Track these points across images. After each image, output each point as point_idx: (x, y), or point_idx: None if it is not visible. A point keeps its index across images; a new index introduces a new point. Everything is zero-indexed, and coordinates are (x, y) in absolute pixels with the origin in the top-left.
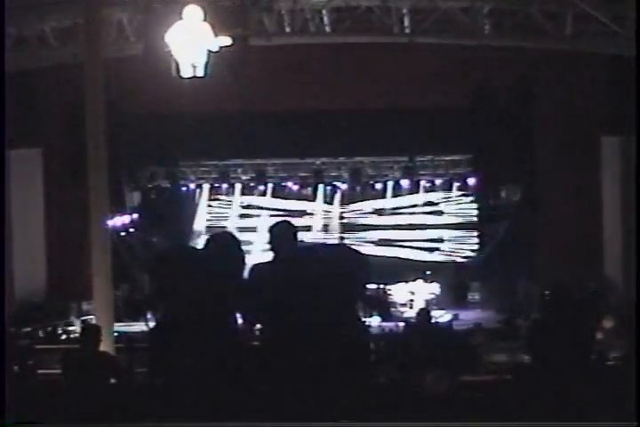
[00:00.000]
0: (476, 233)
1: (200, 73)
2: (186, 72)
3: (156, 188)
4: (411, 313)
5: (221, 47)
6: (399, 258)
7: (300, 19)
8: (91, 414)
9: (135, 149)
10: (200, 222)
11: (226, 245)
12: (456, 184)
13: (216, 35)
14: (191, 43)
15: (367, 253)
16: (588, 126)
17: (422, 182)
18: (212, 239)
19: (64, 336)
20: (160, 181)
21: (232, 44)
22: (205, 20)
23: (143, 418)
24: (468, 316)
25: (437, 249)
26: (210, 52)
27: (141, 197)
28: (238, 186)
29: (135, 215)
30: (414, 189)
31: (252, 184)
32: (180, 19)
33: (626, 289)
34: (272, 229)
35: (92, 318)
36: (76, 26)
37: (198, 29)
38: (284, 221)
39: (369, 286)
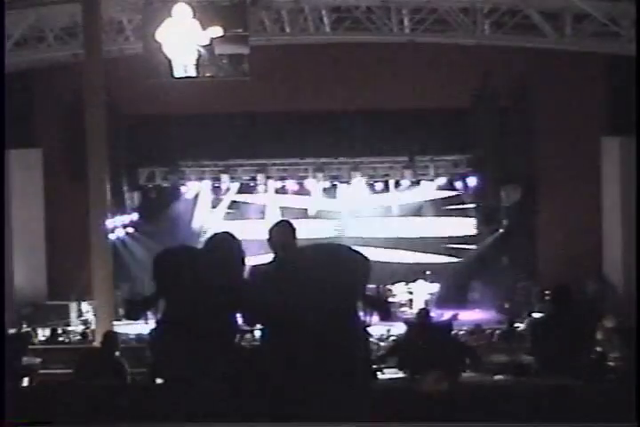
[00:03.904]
0: (475, 233)
1: (192, 71)
2: (179, 71)
3: (155, 188)
4: (411, 313)
5: (213, 38)
6: (399, 258)
7: (300, 19)
8: (92, 414)
9: (135, 149)
10: (200, 222)
11: (226, 245)
12: (456, 184)
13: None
14: (182, 40)
15: (367, 252)
16: (588, 126)
17: (422, 182)
18: (212, 239)
19: (64, 336)
20: (160, 181)
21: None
22: (195, 17)
23: (143, 418)
24: (468, 316)
25: (437, 249)
26: (201, 46)
27: (141, 197)
28: (238, 186)
29: (135, 215)
30: (414, 189)
31: (252, 184)
32: (170, 16)
33: (626, 289)
34: (272, 230)
35: (91, 318)
36: (76, 26)
37: (188, 26)
38: (284, 221)
39: (369, 285)
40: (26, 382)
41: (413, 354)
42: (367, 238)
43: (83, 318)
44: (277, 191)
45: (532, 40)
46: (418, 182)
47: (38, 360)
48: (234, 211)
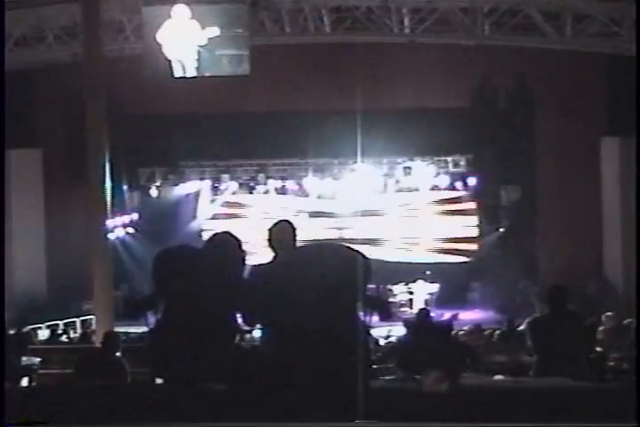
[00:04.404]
0: (476, 233)
1: (192, 71)
2: (179, 71)
3: (156, 188)
4: (411, 313)
5: (212, 38)
6: (399, 258)
7: (300, 19)
8: (93, 414)
9: (135, 149)
10: (200, 222)
11: (226, 244)
12: (456, 184)
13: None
14: (182, 40)
15: (367, 252)
16: (588, 127)
17: (422, 182)
18: (212, 239)
19: (64, 336)
20: (160, 181)
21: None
22: (195, 17)
23: (143, 418)
24: (468, 316)
25: (437, 249)
26: (201, 46)
27: (141, 197)
28: (238, 186)
29: (135, 215)
30: (414, 189)
31: (252, 184)
32: (170, 17)
33: (626, 289)
34: (271, 229)
35: (91, 318)
36: (76, 26)
37: (188, 27)
38: (283, 220)
39: (369, 285)
40: (26, 382)
41: (413, 354)
42: (367, 238)
43: (83, 318)
44: (277, 191)
45: (532, 40)
46: (418, 182)
47: (38, 360)
48: (234, 210)
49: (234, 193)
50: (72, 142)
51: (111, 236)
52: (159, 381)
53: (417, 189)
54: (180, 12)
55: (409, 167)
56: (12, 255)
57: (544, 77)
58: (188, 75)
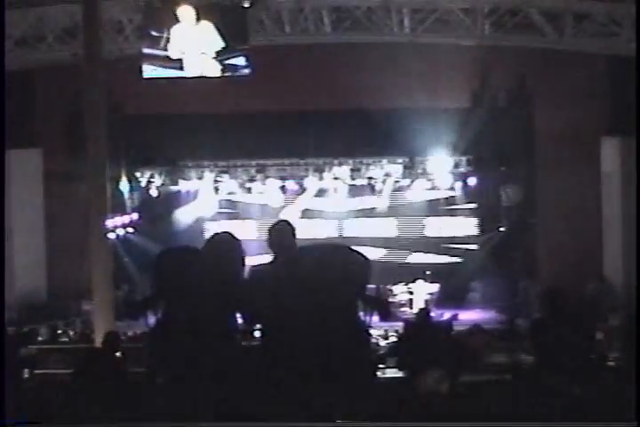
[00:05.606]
0: (476, 233)
1: (192, 71)
2: (179, 71)
3: (156, 188)
4: (411, 313)
5: (212, 38)
6: (399, 258)
7: (301, 19)
8: (92, 414)
9: (135, 149)
10: (200, 222)
11: (226, 245)
12: (456, 184)
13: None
14: (181, 40)
15: (366, 252)
16: (588, 126)
17: (422, 182)
18: (212, 239)
19: (64, 336)
20: (160, 181)
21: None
22: (194, 17)
23: (143, 418)
24: (468, 316)
25: (437, 249)
26: (201, 46)
27: (141, 197)
28: (238, 186)
29: (135, 215)
30: (414, 189)
31: (251, 184)
32: (177, 20)
33: (626, 289)
34: (271, 230)
35: (91, 318)
36: (76, 26)
37: (188, 26)
38: (283, 221)
39: (369, 285)
40: (25, 381)
41: (413, 354)
42: (367, 238)
43: (83, 318)
44: (277, 191)
45: (532, 40)
46: (417, 182)
47: (38, 360)
48: (233, 211)
49: (233, 193)
50: (72, 142)
51: (111, 236)
52: (159, 381)
53: (417, 189)
54: (181, 11)
55: (409, 167)
56: (12, 255)
57: (544, 77)
58: (188, 75)
